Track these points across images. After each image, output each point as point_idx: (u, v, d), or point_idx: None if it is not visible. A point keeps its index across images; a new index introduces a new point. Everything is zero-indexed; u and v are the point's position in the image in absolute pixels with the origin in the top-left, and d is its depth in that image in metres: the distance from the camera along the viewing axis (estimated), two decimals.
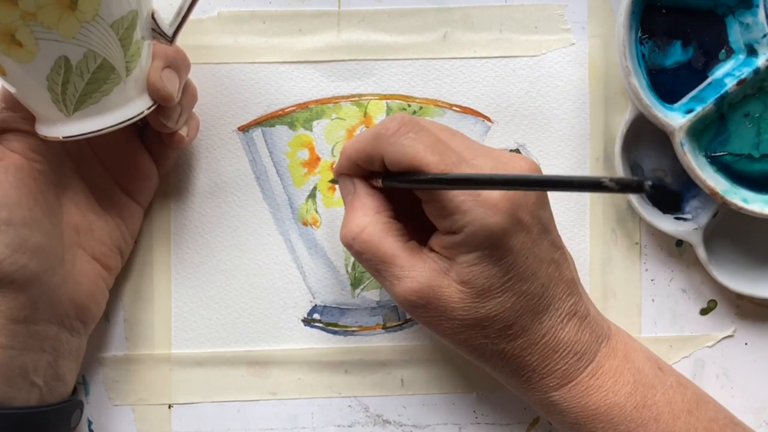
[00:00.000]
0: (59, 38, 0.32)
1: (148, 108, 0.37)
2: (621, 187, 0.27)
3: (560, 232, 0.45)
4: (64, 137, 0.35)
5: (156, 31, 0.37)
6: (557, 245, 0.37)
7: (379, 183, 0.37)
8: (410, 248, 0.37)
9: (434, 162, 0.34)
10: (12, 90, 0.35)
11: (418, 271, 0.36)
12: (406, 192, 0.38)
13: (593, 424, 0.37)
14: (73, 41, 0.32)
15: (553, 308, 0.36)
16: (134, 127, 0.41)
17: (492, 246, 0.35)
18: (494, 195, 0.34)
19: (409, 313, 0.37)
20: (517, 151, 0.44)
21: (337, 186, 0.44)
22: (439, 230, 0.36)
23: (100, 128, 0.35)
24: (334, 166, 0.39)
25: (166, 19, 0.38)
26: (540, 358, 0.37)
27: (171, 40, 0.37)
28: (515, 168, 0.36)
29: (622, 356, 0.38)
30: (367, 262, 0.37)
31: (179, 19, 0.37)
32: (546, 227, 0.36)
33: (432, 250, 0.36)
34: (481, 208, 0.34)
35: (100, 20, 0.32)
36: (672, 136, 0.41)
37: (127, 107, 0.36)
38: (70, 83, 0.33)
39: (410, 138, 0.35)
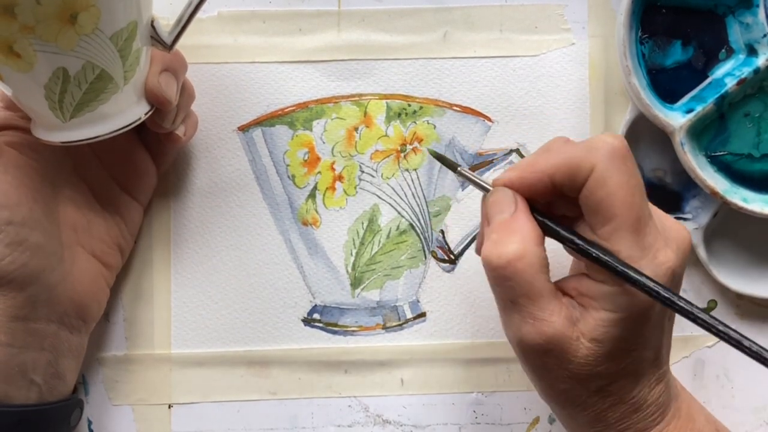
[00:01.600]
0: (58, 51, 0.32)
1: (146, 113, 0.36)
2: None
3: None
4: (61, 142, 0.35)
5: (155, 39, 0.36)
6: (669, 316, 0.36)
7: (534, 221, 0.35)
8: (554, 290, 0.34)
9: (637, 205, 0.33)
10: (9, 93, 0.35)
11: (556, 316, 0.34)
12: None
13: None
14: (71, 53, 0.32)
15: (649, 373, 0.36)
16: None
17: (640, 311, 0.33)
18: (668, 263, 0.33)
19: (524, 354, 0.35)
20: (518, 151, 0.44)
21: (337, 185, 0.44)
22: (586, 273, 0.35)
23: (97, 135, 0.35)
24: (497, 178, 0.36)
25: (167, 24, 0.37)
26: (621, 415, 0.35)
27: (170, 48, 0.37)
28: (680, 236, 0.35)
29: (686, 416, 0.37)
30: (509, 290, 0.34)
31: (179, 27, 0.36)
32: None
33: (565, 294, 0.35)
34: (653, 272, 0.33)
35: (99, 33, 0.32)
36: (672, 136, 0.41)
37: (125, 114, 0.36)
38: (67, 92, 0.33)
39: (627, 165, 0.33)
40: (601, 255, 0.33)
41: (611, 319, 0.33)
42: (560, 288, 0.35)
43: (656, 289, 0.32)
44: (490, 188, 0.36)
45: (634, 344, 0.34)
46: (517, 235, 0.34)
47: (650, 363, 0.35)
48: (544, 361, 0.35)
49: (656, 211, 0.35)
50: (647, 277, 0.32)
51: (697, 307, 0.33)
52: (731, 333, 0.32)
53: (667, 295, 0.32)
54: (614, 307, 0.33)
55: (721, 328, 0.32)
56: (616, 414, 0.35)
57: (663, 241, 0.33)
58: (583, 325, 0.34)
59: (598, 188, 0.33)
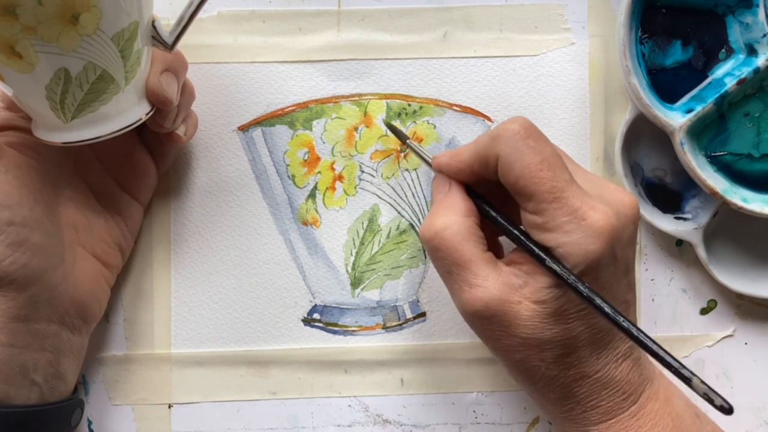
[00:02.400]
0: (59, 51, 0.32)
1: (147, 114, 0.36)
2: (704, 393, 0.31)
3: None
4: (63, 143, 0.35)
5: (156, 39, 0.36)
6: (631, 286, 0.37)
7: (467, 197, 0.37)
8: (488, 258, 0.36)
9: (547, 178, 0.34)
10: (9, 93, 0.34)
11: (491, 281, 0.35)
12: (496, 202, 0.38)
13: None
14: (73, 54, 0.32)
15: (612, 346, 0.36)
16: None
17: (582, 272, 0.34)
18: (599, 222, 0.34)
19: (470, 323, 0.37)
20: None
21: (337, 185, 0.44)
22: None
23: (98, 135, 0.35)
24: (436, 157, 0.39)
25: (167, 24, 0.37)
26: (588, 391, 0.36)
27: (171, 48, 0.37)
28: (620, 201, 0.36)
29: (664, 400, 0.37)
30: (441, 260, 0.36)
31: (180, 28, 0.36)
32: (628, 267, 0.36)
33: (509, 264, 0.36)
34: (584, 232, 0.34)
35: (100, 33, 0.32)
36: (672, 136, 0.41)
37: (126, 114, 0.36)
38: (69, 93, 0.33)
39: (529, 145, 0.34)
40: (516, 234, 0.35)
41: (555, 282, 0.34)
42: (509, 259, 0.36)
43: (552, 266, 0.34)
44: (430, 160, 0.39)
45: (583, 307, 0.35)
46: (446, 209, 0.37)
47: (606, 332, 0.35)
48: (491, 328, 0.36)
49: (595, 180, 0.37)
50: (554, 260, 0.34)
51: (600, 297, 0.33)
52: (634, 330, 0.33)
53: (562, 273, 0.34)
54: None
55: (624, 324, 0.33)
56: (582, 389, 0.36)
57: (593, 204, 0.34)
58: (527, 289, 0.35)
59: (507, 173, 0.35)
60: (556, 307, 0.35)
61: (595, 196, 0.35)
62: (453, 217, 0.36)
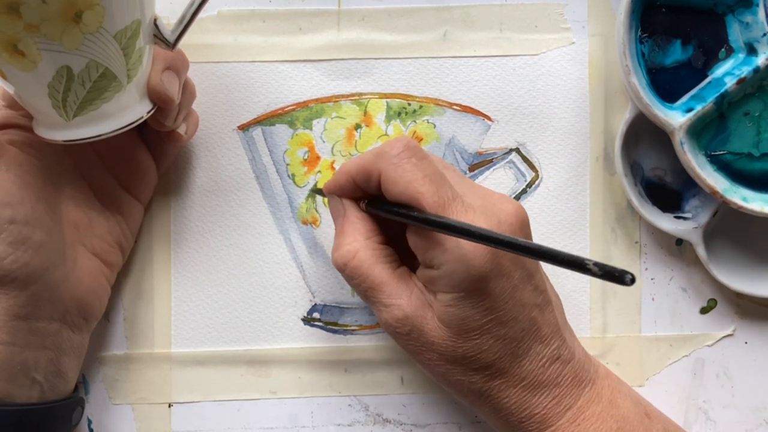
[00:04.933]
0: (62, 49, 0.32)
1: (148, 112, 0.37)
2: (603, 273, 0.28)
3: (560, 232, 0.45)
4: (64, 141, 0.35)
5: (158, 37, 0.36)
6: (540, 289, 0.37)
7: (363, 206, 0.38)
8: (399, 275, 0.37)
9: (429, 192, 0.35)
10: (11, 91, 0.35)
11: (404, 300, 0.36)
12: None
13: None
14: (76, 52, 0.32)
15: (534, 352, 0.36)
16: None
17: (469, 289, 0.35)
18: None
19: (395, 339, 0.38)
20: (518, 150, 0.44)
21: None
22: (426, 265, 0.36)
23: (100, 134, 0.35)
24: (325, 183, 0.40)
25: (168, 23, 0.37)
26: (518, 401, 0.36)
27: (172, 46, 0.37)
28: (502, 210, 0.36)
29: (607, 402, 0.37)
30: (358, 287, 0.38)
31: (182, 26, 0.36)
32: (529, 272, 0.36)
33: (422, 278, 0.37)
34: (463, 249, 0.34)
35: (103, 31, 0.32)
36: (672, 135, 0.41)
37: (127, 112, 0.36)
38: (71, 91, 0.33)
39: (412, 163, 0.35)
40: (421, 215, 0.34)
41: (448, 299, 0.35)
42: (417, 279, 0.37)
43: (478, 230, 0.32)
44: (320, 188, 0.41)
45: (486, 322, 0.35)
46: (348, 237, 0.37)
47: (520, 341, 0.35)
48: (411, 343, 0.37)
49: (480, 191, 0.37)
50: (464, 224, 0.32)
51: (517, 239, 0.31)
52: (565, 254, 0.29)
53: (485, 233, 0.31)
54: (446, 288, 0.35)
55: (544, 249, 0.30)
56: (511, 400, 0.36)
57: (474, 218, 0.35)
58: (435, 307, 0.36)
59: (390, 188, 0.36)
60: (456, 325, 0.35)
61: (478, 208, 0.35)
62: (356, 243, 0.37)
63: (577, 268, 0.28)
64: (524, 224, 0.37)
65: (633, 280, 0.27)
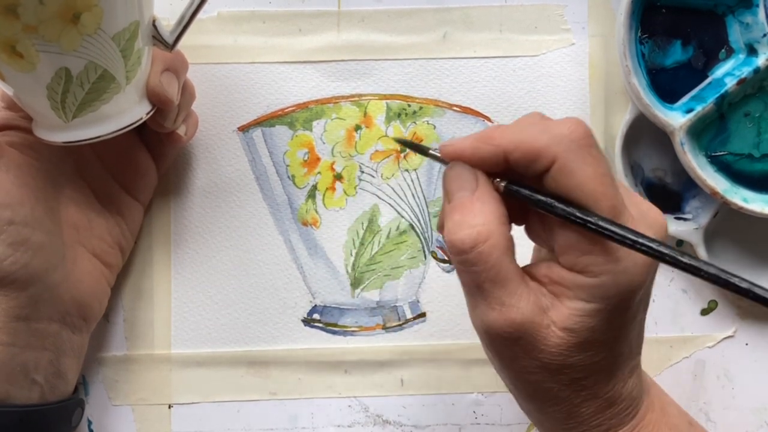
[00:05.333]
0: (60, 51, 0.32)
1: (147, 113, 0.37)
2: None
3: None
4: (63, 142, 0.35)
5: (156, 38, 0.36)
6: (647, 307, 0.34)
7: (498, 186, 0.32)
8: (521, 273, 0.32)
9: (609, 194, 0.30)
10: (10, 93, 0.35)
11: (524, 302, 0.31)
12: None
13: None
14: (74, 54, 0.32)
15: (625, 366, 0.34)
16: None
17: (615, 302, 0.31)
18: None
19: (489, 341, 0.33)
20: None
21: (337, 186, 0.44)
22: (558, 260, 0.32)
23: (99, 135, 0.35)
24: (451, 144, 0.33)
25: (167, 24, 0.37)
26: (595, 410, 0.34)
27: (171, 47, 0.37)
28: (655, 220, 0.32)
29: (659, 409, 0.36)
30: (474, 275, 0.32)
31: (180, 27, 0.36)
32: (649, 292, 0.34)
33: (534, 279, 0.33)
34: (629, 261, 0.31)
35: (101, 33, 0.32)
36: (672, 136, 0.41)
37: (127, 114, 0.36)
38: (69, 92, 0.33)
39: (592, 154, 0.31)
40: (595, 218, 0.30)
41: (586, 309, 0.31)
42: (532, 273, 0.33)
43: (661, 249, 0.29)
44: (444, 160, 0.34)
45: (611, 336, 0.32)
46: (481, 216, 0.31)
47: (626, 356, 0.34)
48: (513, 350, 0.32)
49: (632, 196, 0.33)
50: (649, 238, 0.30)
51: (704, 261, 0.30)
52: (745, 284, 0.29)
53: (671, 253, 0.29)
54: (590, 297, 0.31)
55: (733, 280, 0.29)
56: (590, 409, 0.34)
57: (637, 226, 0.31)
58: (554, 313, 0.32)
59: (562, 179, 0.31)
60: (583, 336, 0.32)
61: (638, 217, 0.32)
62: (490, 226, 0.31)
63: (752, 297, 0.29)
64: (666, 236, 0.34)
65: None
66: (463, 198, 0.32)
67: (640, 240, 0.30)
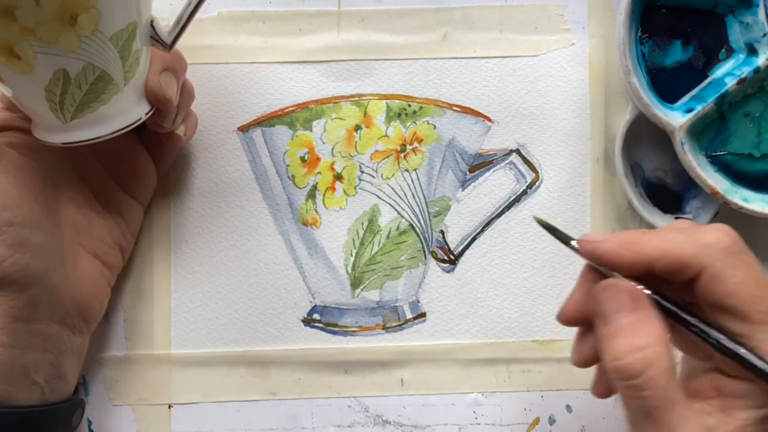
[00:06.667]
0: (58, 53, 0.32)
1: (146, 113, 0.37)
2: None
3: None
4: (62, 143, 0.35)
5: (155, 39, 0.36)
6: None
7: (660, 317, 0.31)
8: (684, 396, 0.31)
9: (764, 296, 0.30)
10: (9, 94, 0.35)
11: (690, 427, 0.30)
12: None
13: None
14: (72, 55, 0.32)
15: None
16: None
17: None
18: None
19: None
20: (518, 151, 0.44)
21: (337, 186, 0.44)
22: (721, 369, 0.31)
23: (98, 136, 0.35)
24: (593, 249, 0.32)
25: (166, 25, 0.37)
26: None
27: (169, 47, 0.37)
28: None
29: None
30: (643, 400, 0.30)
31: (178, 27, 0.36)
32: None
33: (694, 396, 0.32)
34: None
35: (99, 34, 0.32)
36: (672, 136, 0.41)
37: (125, 114, 0.36)
38: (68, 94, 0.33)
39: (743, 260, 0.31)
40: (749, 359, 0.30)
41: (759, 417, 0.30)
42: (691, 390, 0.32)
43: None
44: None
45: None
46: (645, 338, 0.30)
47: None
48: None
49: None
50: None
51: None
52: None
53: None
54: (762, 402, 0.30)
55: None
56: None
57: None
58: (720, 430, 0.30)
59: (713, 287, 0.30)
60: None
61: None
62: (657, 347, 0.30)
63: None
64: None
65: None
66: (624, 320, 0.31)
67: None
